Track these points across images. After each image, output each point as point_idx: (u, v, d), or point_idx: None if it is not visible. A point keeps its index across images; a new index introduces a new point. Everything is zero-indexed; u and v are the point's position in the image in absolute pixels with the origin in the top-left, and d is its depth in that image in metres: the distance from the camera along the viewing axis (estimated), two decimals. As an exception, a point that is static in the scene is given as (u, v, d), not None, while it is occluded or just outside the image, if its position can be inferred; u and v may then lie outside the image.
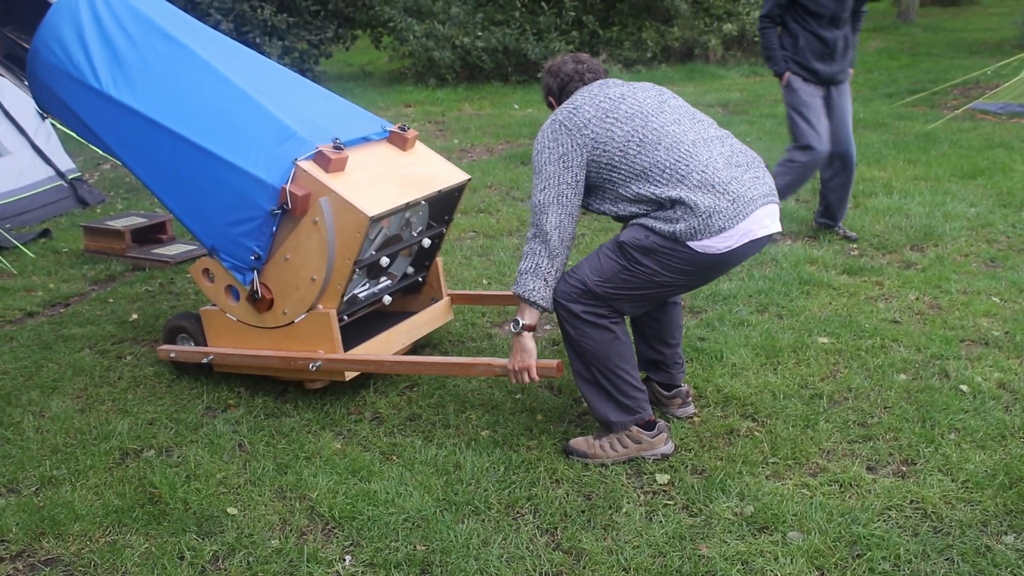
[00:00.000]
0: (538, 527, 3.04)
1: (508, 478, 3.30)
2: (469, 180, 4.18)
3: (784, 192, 5.73)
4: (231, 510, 3.16)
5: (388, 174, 3.85)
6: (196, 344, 4.10)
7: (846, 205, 6.06)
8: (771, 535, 2.95)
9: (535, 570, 2.83)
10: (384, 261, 3.95)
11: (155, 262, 5.76)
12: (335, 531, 3.06)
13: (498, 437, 3.57)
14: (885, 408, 3.74)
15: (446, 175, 4.09)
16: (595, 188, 3.34)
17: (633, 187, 3.25)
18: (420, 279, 4.34)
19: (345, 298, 3.82)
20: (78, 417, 3.84)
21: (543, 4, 14.09)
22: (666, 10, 15.11)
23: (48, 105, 4.26)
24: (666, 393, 3.73)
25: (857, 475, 3.26)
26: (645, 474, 3.31)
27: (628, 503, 3.14)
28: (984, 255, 5.59)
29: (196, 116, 3.80)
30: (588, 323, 3.32)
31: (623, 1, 15.01)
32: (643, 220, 3.26)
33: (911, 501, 3.12)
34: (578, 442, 3.48)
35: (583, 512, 3.10)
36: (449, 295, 4.44)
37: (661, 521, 3.03)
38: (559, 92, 3.58)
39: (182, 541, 3.00)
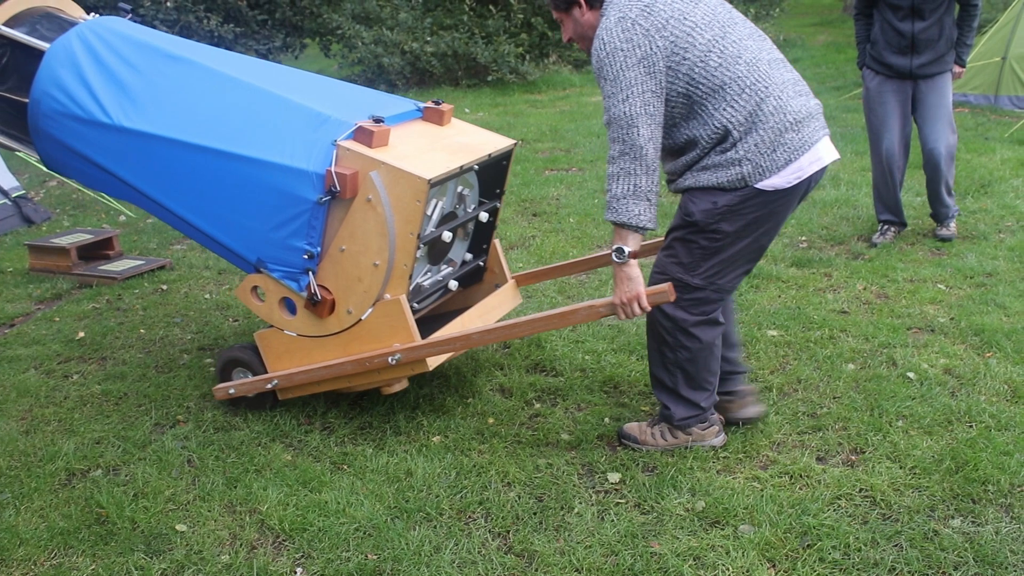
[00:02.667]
0: (490, 531, 3.03)
1: (459, 483, 3.28)
2: (516, 145, 3.99)
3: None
4: (180, 527, 3.12)
5: (433, 144, 3.66)
6: (254, 374, 3.81)
7: (939, 200, 5.75)
8: (722, 529, 2.96)
9: (488, 574, 2.81)
10: (446, 236, 3.70)
11: (102, 279, 5.68)
12: (286, 544, 3.03)
13: (449, 442, 3.55)
14: (834, 398, 3.77)
15: (492, 141, 3.89)
16: (666, 101, 3.05)
17: (708, 106, 3.02)
18: (480, 263, 4.14)
19: (412, 283, 3.60)
20: (22, 439, 3.77)
21: (491, 7, 14.08)
22: (614, 10, 15.14)
23: (56, 159, 3.99)
24: (728, 398, 3.56)
25: (807, 466, 3.28)
26: (597, 473, 3.31)
27: (580, 503, 3.13)
28: (930, 244, 5.65)
29: (217, 124, 3.62)
30: (687, 333, 3.22)
31: (571, 2, 15.02)
32: (702, 178, 3.09)
33: (860, 489, 3.14)
34: (631, 427, 3.47)
35: (535, 514, 3.09)
36: (514, 277, 4.25)
37: (613, 520, 3.03)
38: None
39: (130, 561, 2.95)
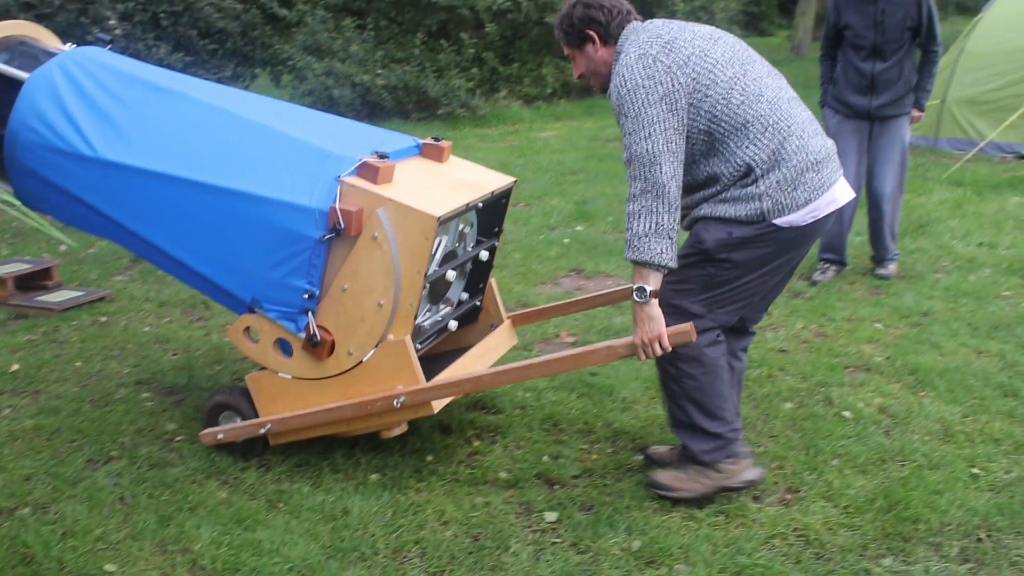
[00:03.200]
0: (425, 571, 3.01)
1: (396, 522, 3.26)
2: (515, 183, 3.94)
3: None
4: (109, 567, 3.05)
5: (436, 181, 3.57)
6: (244, 419, 3.67)
7: (880, 242, 5.88)
8: (658, 569, 2.97)
9: (421, 615, 2.80)
10: (450, 275, 3.59)
11: (39, 310, 5.59)
12: (217, 584, 2.98)
13: (387, 480, 3.53)
14: (771, 437, 3.80)
15: (493, 179, 3.82)
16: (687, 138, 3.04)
17: (731, 143, 3.00)
18: (477, 303, 4.06)
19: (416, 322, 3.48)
20: (-51, 476, 3.68)
21: (443, 42, 14.16)
22: (565, 47, 15.30)
23: (32, 193, 3.86)
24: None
25: (743, 505, 3.31)
26: (534, 512, 3.31)
27: (516, 542, 3.13)
28: (869, 283, 5.75)
29: (210, 159, 3.50)
30: (690, 359, 3.18)
31: (522, 38, 15.15)
32: (719, 209, 3.07)
33: (794, 529, 3.17)
34: (661, 475, 3.38)
35: (471, 554, 3.08)
36: (510, 317, 4.16)
37: (548, 560, 3.03)
38: (607, 27, 3.15)
39: (56, 602, 2.89)
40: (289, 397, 3.55)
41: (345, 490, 3.47)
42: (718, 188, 3.09)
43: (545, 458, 3.66)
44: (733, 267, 3.10)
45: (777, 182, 3.01)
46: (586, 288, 5.82)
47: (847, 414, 3.96)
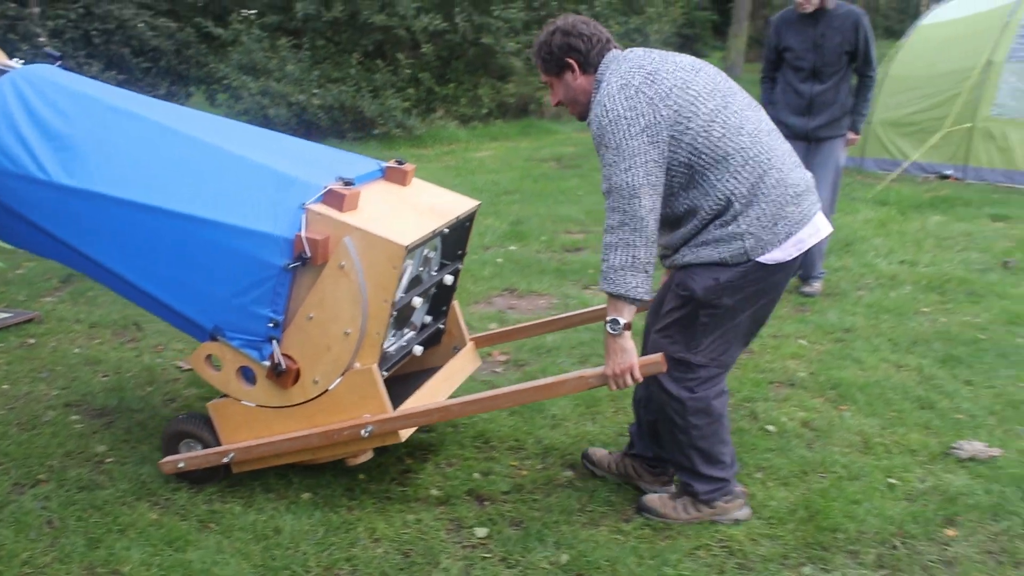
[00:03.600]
0: (356, 588, 3.04)
1: (327, 540, 3.28)
2: (479, 205, 3.93)
3: None
4: (36, 590, 3.04)
5: (401, 206, 3.54)
6: (205, 447, 3.62)
7: (808, 261, 5.62)
8: (585, 582, 3.03)
9: (352, 632, 2.82)
10: (416, 301, 3.55)
11: (-35, 332, 5.50)
12: (147, 606, 2.98)
13: (319, 499, 3.55)
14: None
15: (458, 202, 3.81)
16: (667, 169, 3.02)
17: (711, 176, 2.98)
18: (441, 326, 4.03)
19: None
20: None
21: (379, 62, 14.20)
22: (501, 67, 15.43)
23: None
24: (653, 471, 3.59)
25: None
26: (464, 528, 3.35)
27: (447, 558, 3.17)
28: (795, 300, 5.89)
29: (170, 183, 3.40)
30: (697, 412, 3.20)
31: (459, 58, 15.25)
32: (702, 254, 3.05)
33: (719, 540, 3.25)
34: (652, 500, 3.42)
35: (402, 570, 3.11)
36: (472, 339, 4.16)
37: (479, 575, 3.07)
38: (586, 55, 3.14)
39: (-19, 627, 2.87)
40: (252, 425, 3.50)
41: (277, 509, 3.48)
42: (697, 224, 3.06)
43: (476, 475, 3.71)
44: (725, 311, 3.10)
45: (757, 218, 2.99)
46: (519, 308, 5.89)
47: (771, 428, 4.07)
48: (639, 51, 3.15)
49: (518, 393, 3.32)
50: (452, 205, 3.76)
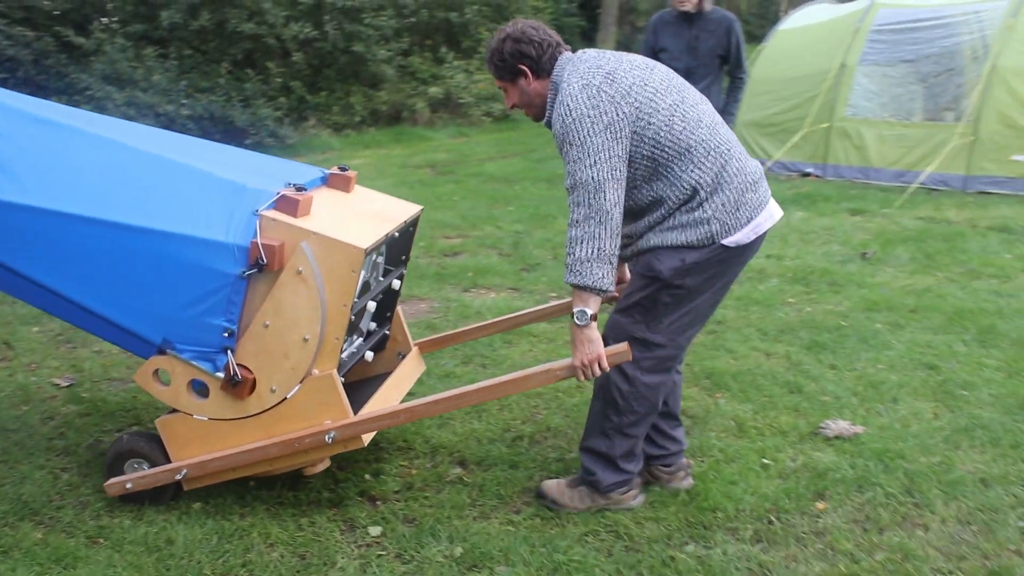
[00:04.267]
0: (253, 592, 3.06)
1: (222, 547, 3.28)
2: (422, 210, 3.89)
3: None
4: (-81, 616, 2.97)
5: (350, 212, 3.50)
6: (152, 465, 3.49)
7: None
8: (480, 572, 3.11)
9: (251, 635, 2.85)
10: (371, 305, 3.52)
11: None
12: (38, 623, 2.94)
13: (210, 508, 3.54)
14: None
15: (403, 208, 3.77)
16: (630, 163, 3.09)
17: (675, 168, 3.08)
18: (386, 332, 3.99)
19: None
20: None
21: (249, 71, 14.04)
22: (373, 75, 15.44)
23: None
24: (667, 470, 3.64)
25: (549, 509, 3.50)
26: (358, 528, 3.40)
27: (342, 558, 3.21)
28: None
29: (112, 195, 3.29)
30: (641, 396, 3.28)
31: (330, 67, 15.19)
32: (668, 238, 3.15)
33: (606, 525, 3.38)
34: (549, 486, 3.49)
35: (298, 572, 3.14)
36: (416, 344, 4.12)
37: (375, 572, 3.13)
38: (538, 61, 3.23)
39: None
40: (205, 439, 3.41)
41: (168, 520, 3.46)
42: (663, 212, 3.16)
43: (367, 476, 3.76)
44: (688, 292, 3.20)
45: (722, 204, 3.11)
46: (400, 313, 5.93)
47: (651, 417, 4.23)
48: (592, 52, 3.25)
49: (485, 390, 3.30)
50: (398, 210, 3.75)
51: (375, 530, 3.38)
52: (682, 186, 3.11)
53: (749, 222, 3.17)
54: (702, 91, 5.92)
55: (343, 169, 3.77)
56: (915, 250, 7.23)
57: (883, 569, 3.07)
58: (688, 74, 5.90)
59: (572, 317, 3.11)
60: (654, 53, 6.10)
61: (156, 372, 3.40)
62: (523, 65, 3.24)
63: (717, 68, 6.05)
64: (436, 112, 16.30)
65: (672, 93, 3.14)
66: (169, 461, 3.47)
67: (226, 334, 3.26)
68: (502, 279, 6.59)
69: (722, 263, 3.20)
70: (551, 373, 3.23)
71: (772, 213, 3.29)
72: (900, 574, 3.05)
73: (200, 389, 3.38)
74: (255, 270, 3.18)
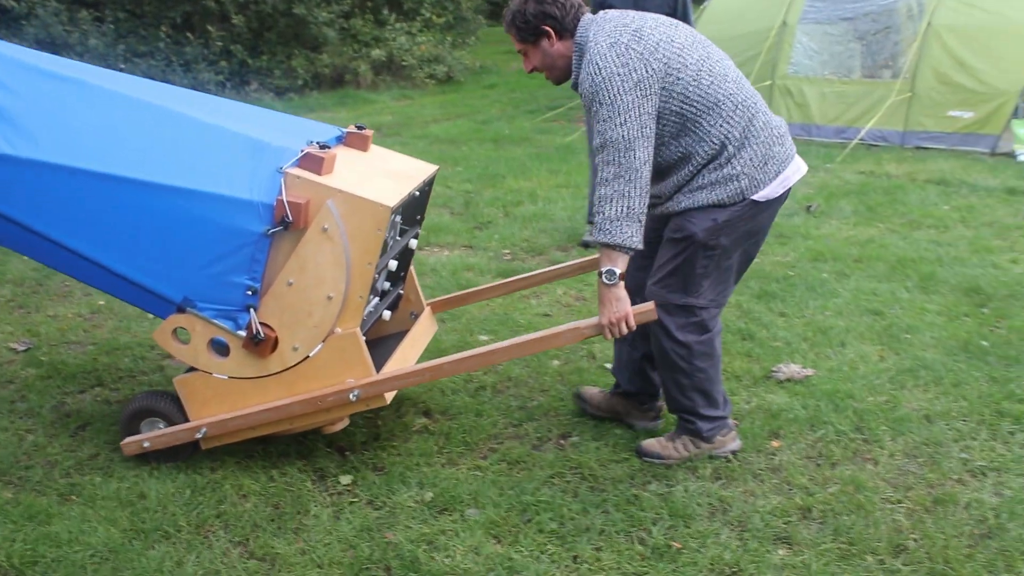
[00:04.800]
0: (231, 540, 3.11)
1: (195, 499, 3.34)
2: (438, 170, 3.85)
3: None
4: None
5: (372, 170, 3.46)
6: (170, 424, 3.50)
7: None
8: (451, 515, 3.21)
9: (231, 580, 2.91)
10: (392, 264, 3.53)
11: None
12: (17, 577, 2.98)
13: (181, 463, 3.59)
14: (543, 391, 4.13)
15: (420, 166, 3.76)
16: (659, 119, 3.11)
17: (703, 123, 3.10)
18: (400, 292, 3.96)
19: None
20: None
21: (188, 35, 13.84)
22: (314, 38, 15.28)
23: None
24: (641, 407, 3.77)
25: (523, 453, 3.60)
26: (329, 477, 3.47)
27: (315, 506, 3.28)
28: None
29: (129, 151, 3.23)
30: (700, 353, 3.32)
31: (271, 30, 15.02)
32: (698, 198, 3.17)
33: (571, 468, 3.49)
34: (651, 444, 3.53)
35: (273, 520, 3.21)
36: (429, 304, 4.13)
37: (348, 518, 3.21)
38: (562, 21, 3.21)
39: None
40: (225, 398, 3.41)
41: (139, 476, 3.50)
42: (691, 170, 3.18)
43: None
44: (723, 251, 3.24)
45: (750, 159, 3.14)
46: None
47: (608, 365, 4.34)
48: (614, 12, 3.24)
49: (513, 347, 3.31)
50: (416, 168, 3.74)
51: (346, 479, 3.46)
52: (711, 141, 3.13)
53: (777, 176, 3.21)
54: None
55: (360, 128, 3.73)
56: (857, 203, 7.43)
57: (836, 500, 3.22)
58: None
59: (600, 275, 3.12)
60: (602, 8, 6.15)
61: (175, 331, 3.38)
62: (547, 26, 3.23)
63: None
64: (379, 75, 16.19)
65: (698, 48, 3.15)
66: (187, 420, 3.48)
67: (249, 292, 3.25)
68: (455, 237, 6.65)
69: (753, 219, 3.25)
70: (578, 331, 3.25)
71: (799, 166, 3.33)
72: (852, 504, 3.20)
73: (220, 348, 3.37)
74: (280, 228, 3.16)
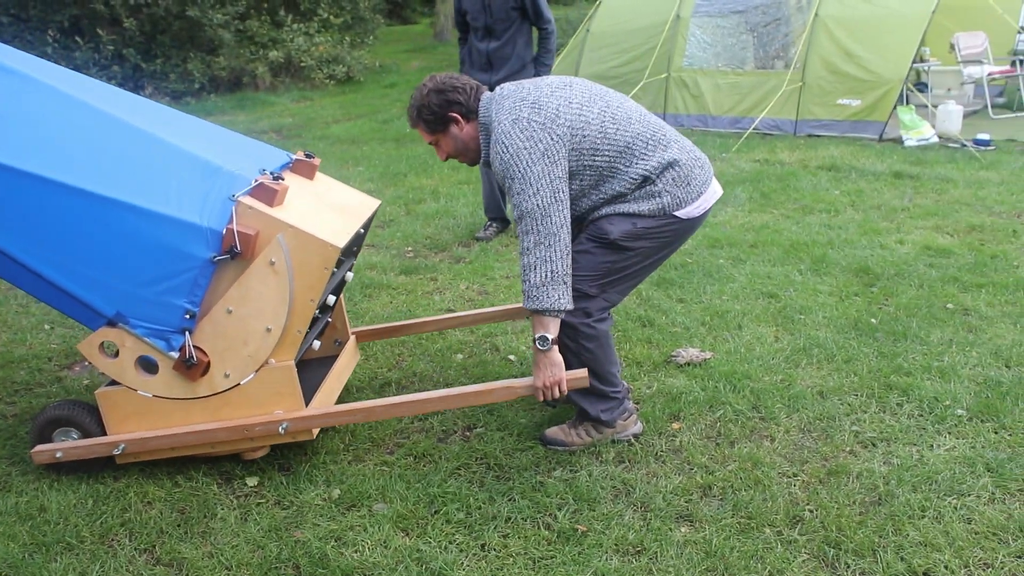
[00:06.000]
0: (136, 548, 3.08)
1: (98, 509, 3.29)
2: (380, 204, 3.75)
3: None
4: None
5: (320, 203, 3.44)
6: (85, 435, 3.43)
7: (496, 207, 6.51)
8: (359, 511, 3.22)
9: (136, 588, 2.89)
10: (331, 299, 3.52)
11: None
12: (-88, 597, 2.90)
13: (82, 474, 3.53)
14: (447, 385, 4.16)
15: (364, 201, 3.75)
16: (574, 176, 3.20)
17: (621, 167, 3.19)
18: (328, 320, 3.92)
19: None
20: None
21: (78, 39, 13.51)
22: (210, 40, 15.07)
23: None
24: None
25: (429, 446, 3.63)
26: (235, 480, 3.45)
27: (222, 509, 3.27)
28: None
29: (79, 159, 3.13)
30: (585, 335, 3.33)
31: (164, 33, 14.74)
32: (623, 207, 3.24)
33: (477, 458, 3.53)
34: (554, 432, 3.57)
35: (179, 526, 3.19)
36: (354, 333, 4.13)
37: (256, 519, 3.20)
38: (467, 104, 3.32)
39: None
40: (146, 416, 3.37)
41: (39, 489, 3.44)
42: (619, 199, 3.28)
43: (240, 431, 3.80)
44: (633, 255, 3.31)
45: (672, 179, 3.24)
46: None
47: (512, 358, 4.40)
48: (509, 86, 3.33)
49: (447, 398, 3.35)
50: (361, 204, 3.73)
51: (252, 480, 3.44)
52: (631, 178, 3.23)
53: (698, 196, 3.32)
54: (504, 45, 6.22)
55: (309, 156, 3.72)
56: (752, 190, 7.62)
57: (735, 477, 3.32)
58: (488, 32, 6.13)
59: (534, 342, 3.19)
60: (462, 16, 6.33)
61: (102, 344, 3.32)
62: (454, 112, 3.32)
63: (518, 21, 6.21)
64: (278, 76, 16.04)
65: (597, 101, 3.25)
66: (103, 433, 3.42)
67: (187, 316, 3.22)
68: (358, 237, 6.64)
69: (672, 234, 3.34)
70: (512, 390, 3.32)
71: (715, 190, 3.44)
72: (751, 480, 3.30)
73: (149, 366, 3.33)
74: (227, 256, 3.13)
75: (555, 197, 3.09)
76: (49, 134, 3.19)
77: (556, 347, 3.19)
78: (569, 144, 3.15)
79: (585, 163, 3.19)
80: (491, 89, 6.05)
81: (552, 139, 3.12)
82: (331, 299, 3.58)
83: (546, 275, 3.10)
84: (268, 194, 3.17)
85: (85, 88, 3.45)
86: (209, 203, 3.15)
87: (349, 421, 3.40)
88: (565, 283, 3.12)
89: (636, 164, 3.22)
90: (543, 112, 3.15)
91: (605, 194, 3.26)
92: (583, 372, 3.27)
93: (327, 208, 3.47)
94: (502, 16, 6.14)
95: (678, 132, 3.44)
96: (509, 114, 3.18)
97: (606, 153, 3.19)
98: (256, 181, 3.21)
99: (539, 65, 6.32)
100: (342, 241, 3.22)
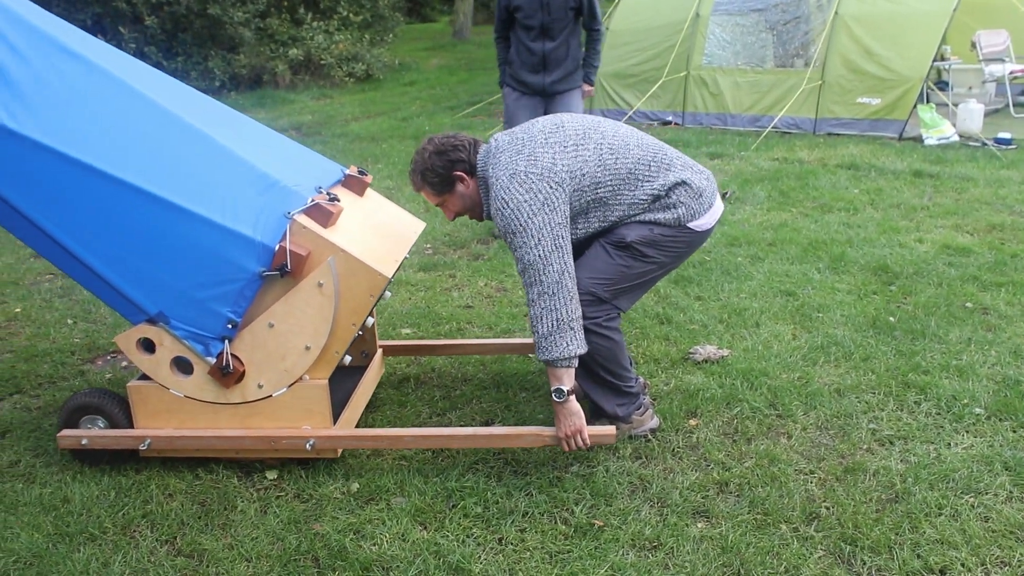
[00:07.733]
0: (157, 539, 3.12)
1: (120, 501, 3.33)
2: (425, 226, 3.72)
3: None
4: None
5: (367, 224, 3.46)
6: (111, 425, 3.45)
7: None
8: (377, 504, 3.25)
9: (158, 578, 2.93)
10: (370, 321, 3.56)
11: None
12: (-62, 585, 2.95)
13: (104, 466, 3.57)
14: (465, 381, 4.19)
15: (410, 223, 3.77)
16: (581, 212, 3.24)
17: (627, 192, 3.23)
18: (359, 333, 3.90)
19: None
20: None
21: (100, 37, 13.60)
22: (230, 38, 15.15)
23: None
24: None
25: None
26: (255, 473, 3.49)
27: (242, 502, 3.30)
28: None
29: (138, 157, 3.11)
30: (596, 333, 3.33)
31: (186, 31, 14.84)
32: (642, 216, 3.28)
33: (495, 454, 3.55)
34: None
35: (199, 518, 3.22)
36: (381, 347, 4.15)
37: (275, 511, 3.23)
38: (469, 161, 3.32)
39: None
40: (175, 414, 3.41)
41: (62, 481, 3.49)
42: (638, 210, 3.29)
43: (260, 425, 3.84)
44: (647, 262, 3.34)
45: (686, 191, 3.29)
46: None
47: (532, 355, 4.42)
48: (503, 138, 3.33)
49: (473, 438, 3.35)
50: (407, 227, 3.74)
51: (272, 474, 3.47)
52: (641, 198, 3.27)
53: (709, 208, 3.37)
54: (560, 46, 6.14)
55: (362, 173, 3.73)
56: (771, 188, 7.61)
57: (751, 474, 3.33)
58: (544, 31, 6.05)
59: (551, 394, 3.21)
60: (509, 13, 6.19)
61: (140, 340, 3.34)
62: (458, 171, 3.32)
63: (572, 22, 6.16)
64: (297, 74, 16.11)
65: (592, 135, 3.26)
66: (130, 425, 3.47)
67: (230, 325, 3.23)
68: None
69: (685, 244, 3.38)
70: (540, 437, 3.33)
71: (720, 205, 3.50)
72: (767, 476, 3.31)
73: (184, 366, 3.36)
74: (276, 273, 3.16)
75: (555, 244, 3.10)
76: (110, 127, 3.15)
77: (573, 397, 3.22)
78: (570, 187, 3.16)
79: (589, 198, 3.22)
80: (543, 94, 6.08)
81: (551, 187, 3.12)
82: (370, 320, 3.61)
83: (552, 324, 3.12)
84: (323, 215, 3.19)
85: (149, 80, 3.42)
86: (263, 217, 3.16)
87: (376, 447, 3.44)
88: (572, 328, 3.14)
89: (643, 186, 3.26)
90: (539, 163, 3.15)
91: (620, 214, 3.29)
92: (610, 430, 3.29)
93: (376, 231, 3.49)
94: (560, 16, 6.05)
95: (676, 151, 3.45)
96: (506, 169, 3.19)
97: (609, 184, 3.22)
98: (312, 200, 3.22)
99: (588, 67, 6.30)
100: (390, 270, 3.25)
